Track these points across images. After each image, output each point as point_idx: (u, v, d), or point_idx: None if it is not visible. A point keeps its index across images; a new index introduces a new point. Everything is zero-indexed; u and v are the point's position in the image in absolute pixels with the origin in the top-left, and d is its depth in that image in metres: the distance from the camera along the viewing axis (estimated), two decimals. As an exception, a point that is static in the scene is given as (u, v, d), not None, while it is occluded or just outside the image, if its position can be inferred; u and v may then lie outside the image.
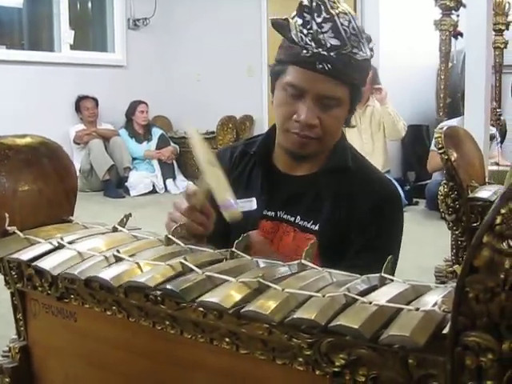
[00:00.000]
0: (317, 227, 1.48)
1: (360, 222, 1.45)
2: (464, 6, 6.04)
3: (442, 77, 6.71)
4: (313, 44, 1.32)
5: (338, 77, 1.35)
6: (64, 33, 6.88)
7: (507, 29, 7.19)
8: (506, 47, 7.27)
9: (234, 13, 6.83)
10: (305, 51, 1.34)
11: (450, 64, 6.84)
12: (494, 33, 6.11)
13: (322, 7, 1.31)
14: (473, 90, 3.88)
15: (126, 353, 1.03)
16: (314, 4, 1.32)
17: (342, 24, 1.31)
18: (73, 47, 6.95)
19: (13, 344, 1.25)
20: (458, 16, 6.64)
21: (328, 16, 1.31)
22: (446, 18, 6.59)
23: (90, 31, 7.71)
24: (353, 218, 1.46)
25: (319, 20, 1.31)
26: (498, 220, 0.60)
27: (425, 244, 4.31)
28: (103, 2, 7.45)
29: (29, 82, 6.45)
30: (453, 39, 6.78)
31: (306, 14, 1.32)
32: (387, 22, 6.30)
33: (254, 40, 6.74)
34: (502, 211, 0.60)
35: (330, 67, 1.33)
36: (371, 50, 1.39)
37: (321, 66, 1.33)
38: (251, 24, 6.73)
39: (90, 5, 7.61)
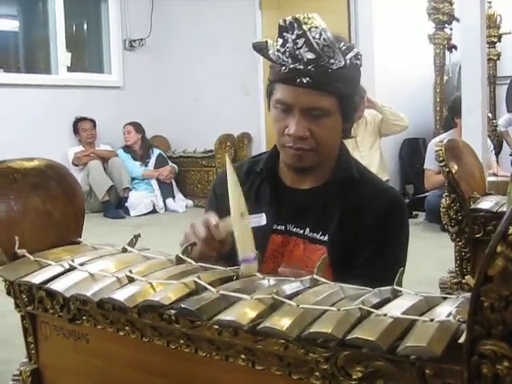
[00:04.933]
0: (326, 238, 1.51)
1: (368, 231, 1.48)
2: (457, 20, 6.11)
3: (438, 90, 6.77)
4: (289, 60, 1.38)
5: (318, 88, 1.40)
6: (61, 55, 6.90)
7: (499, 41, 7.28)
8: (498, 59, 7.36)
9: (230, 32, 6.88)
10: (283, 68, 1.40)
11: (445, 77, 6.90)
12: (487, 45, 6.17)
13: (295, 24, 1.35)
14: (469, 102, 3.92)
15: (139, 373, 1.03)
16: (288, 22, 1.37)
17: (313, 38, 1.35)
18: (70, 69, 6.97)
19: (24, 367, 1.25)
20: (451, 29, 6.73)
21: (300, 32, 1.35)
22: (439, 31, 6.68)
23: (87, 53, 7.74)
24: (361, 227, 1.48)
25: (293, 37, 1.36)
26: (511, 230, 0.61)
27: (426, 256, 4.31)
28: (99, 24, 7.50)
29: (26, 105, 6.47)
30: (447, 52, 6.85)
31: (284, 34, 1.37)
32: (381, 37, 6.34)
33: (249, 58, 6.78)
34: (515, 221, 0.61)
35: (308, 80, 1.38)
36: (356, 57, 1.42)
37: (299, 80, 1.39)
38: (247, 42, 6.73)
39: (85, 26, 7.65)
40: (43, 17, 7.00)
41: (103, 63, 7.54)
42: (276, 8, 6.58)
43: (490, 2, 6.56)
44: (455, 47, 6.74)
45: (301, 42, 1.35)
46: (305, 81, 1.38)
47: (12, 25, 7.18)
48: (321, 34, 1.34)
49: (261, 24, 6.87)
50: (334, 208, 1.51)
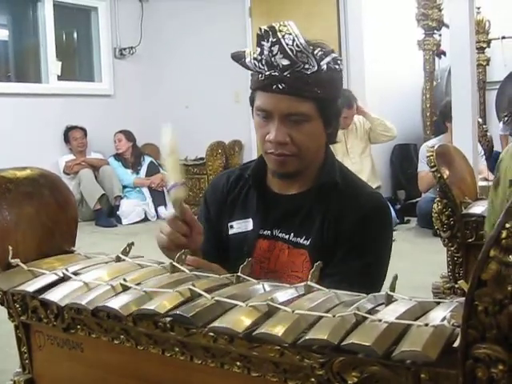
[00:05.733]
0: (308, 242, 1.53)
1: (346, 232, 1.49)
2: (446, 26, 6.15)
3: (428, 95, 6.81)
4: (265, 68, 1.42)
5: (294, 94, 1.42)
6: (51, 64, 6.89)
7: (488, 46, 7.33)
8: (488, 64, 7.41)
9: (220, 39, 6.88)
10: (260, 75, 1.44)
11: (434, 82, 6.94)
12: (476, 50, 6.21)
13: (270, 32, 1.38)
14: (460, 107, 3.94)
15: (135, 381, 1.03)
16: (263, 31, 1.40)
17: (287, 44, 1.37)
18: (60, 78, 6.97)
19: (17, 377, 1.24)
20: (440, 35, 6.77)
21: (275, 39, 1.38)
22: (428, 37, 6.73)
23: (77, 61, 7.73)
24: (341, 231, 1.50)
25: (269, 44, 1.39)
26: (504, 234, 0.62)
27: (418, 261, 4.32)
28: (89, 32, 7.49)
29: (17, 114, 6.46)
30: (436, 58, 6.89)
31: (262, 42, 1.40)
32: (371, 43, 6.37)
33: (240, 66, 6.79)
34: (507, 225, 0.62)
35: (284, 86, 1.40)
36: (335, 62, 1.44)
37: (275, 86, 1.42)
38: (237, 49, 6.74)
39: (75, 35, 7.64)
40: (33, 26, 7.00)
41: (93, 72, 7.53)
42: (266, 16, 6.60)
43: (478, 8, 6.61)
44: (444, 53, 6.79)
45: (275, 49, 1.38)
46: (281, 87, 1.41)
47: (2, 34, 7.17)
48: (293, 41, 1.37)
49: (251, 31, 6.88)
50: (316, 213, 1.53)
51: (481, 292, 0.64)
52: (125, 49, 7.51)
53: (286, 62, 1.38)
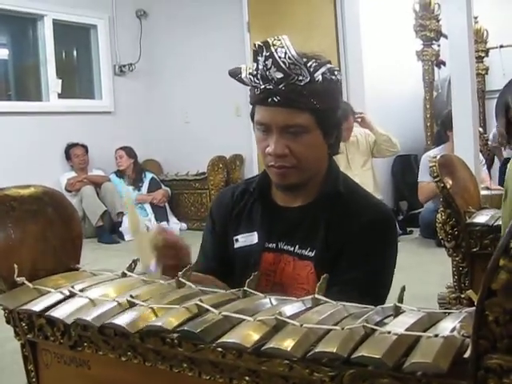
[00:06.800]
0: (312, 254, 1.52)
1: (350, 242, 1.49)
2: (444, 36, 6.18)
3: (428, 106, 6.82)
4: (261, 82, 1.43)
5: (290, 105, 1.43)
6: (51, 82, 6.90)
7: (487, 55, 7.37)
8: (487, 73, 7.44)
9: (219, 53, 6.91)
10: (256, 90, 1.46)
11: (435, 93, 6.96)
12: (475, 60, 6.23)
13: (264, 47, 1.40)
14: (460, 117, 3.95)
15: (142, 398, 1.03)
16: (258, 46, 1.42)
17: (279, 57, 1.38)
18: (60, 96, 6.98)
19: (25, 396, 1.24)
20: (438, 46, 6.80)
21: (268, 53, 1.39)
22: (427, 48, 6.76)
23: (77, 79, 7.74)
24: (345, 241, 1.49)
25: (263, 59, 1.40)
26: (513, 243, 0.61)
27: (422, 272, 4.31)
28: (89, 50, 7.51)
29: (17, 133, 6.46)
30: (436, 68, 6.92)
31: (257, 57, 1.42)
32: (370, 55, 6.39)
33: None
34: (516, 235, 0.61)
35: (279, 99, 1.42)
36: (331, 72, 1.45)
37: (270, 99, 1.43)
38: (236, 64, 6.75)
39: (75, 53, 7.66)
40: (33, 44, 7.02)
41: (94, 89, 7.54)
42: (264, 30, 6.61)
43: (476, 18, 6.65)
44: (444, 63, 6.82)
45: (269, 62, 1.39)
46: (276, 100, 1.42)
47: (2, 53, 7.19)
48: (286, 53, 1.38)
49: (249, 47, 6.90)
50: (321, 224, 1.53)
51: (491, 302, 0.63)
52: (124, 66, 7.53)
53: (279, 75, 1.39)
